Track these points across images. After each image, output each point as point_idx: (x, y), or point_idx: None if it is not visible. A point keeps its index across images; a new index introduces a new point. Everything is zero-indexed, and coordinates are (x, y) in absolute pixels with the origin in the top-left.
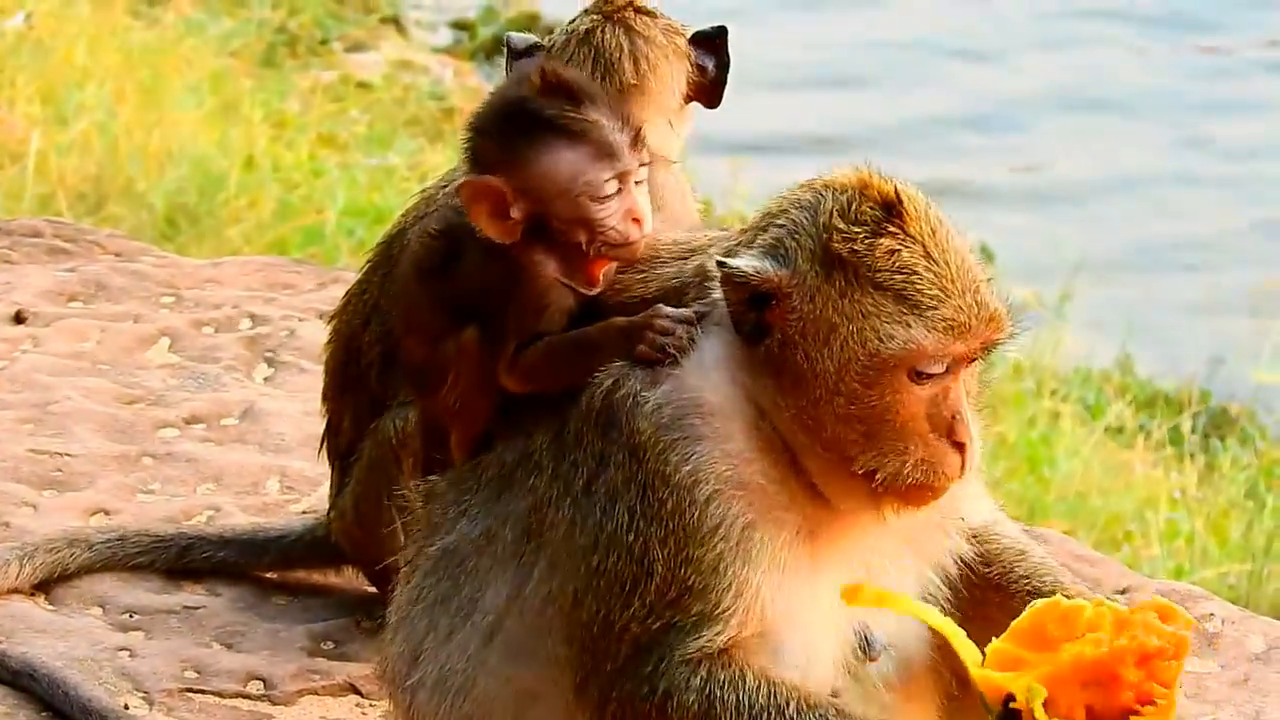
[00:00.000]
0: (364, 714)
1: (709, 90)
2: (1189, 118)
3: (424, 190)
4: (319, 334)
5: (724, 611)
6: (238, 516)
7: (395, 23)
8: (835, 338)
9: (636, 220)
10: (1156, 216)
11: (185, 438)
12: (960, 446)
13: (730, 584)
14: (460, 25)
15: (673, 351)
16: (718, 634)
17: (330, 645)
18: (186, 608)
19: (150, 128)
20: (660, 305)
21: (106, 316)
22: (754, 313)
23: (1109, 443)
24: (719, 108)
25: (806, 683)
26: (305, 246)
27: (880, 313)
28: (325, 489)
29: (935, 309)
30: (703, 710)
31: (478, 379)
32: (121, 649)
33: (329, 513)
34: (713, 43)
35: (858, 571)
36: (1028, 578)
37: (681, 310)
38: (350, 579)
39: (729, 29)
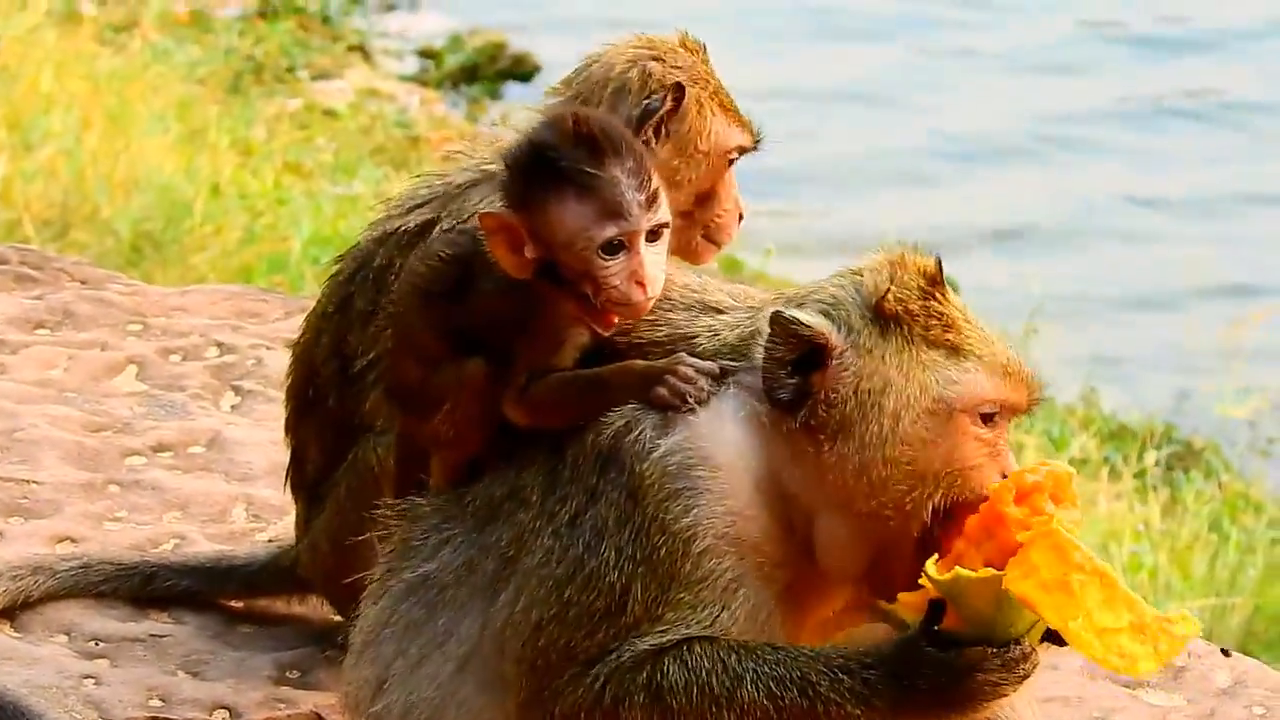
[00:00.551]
0: None
1: None
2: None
3: (402, 224)
4: (286, 363)
5: (687, 632)
6: (204, 545)
7: (362, 51)
8: (892, 391)
9: (640, 283)
10: (1121, 256)
11: (152, 466)
12: None
13: (709, 623)
14: (427, 54)
15: (692, 401)
16: (673, 637)
17: (296, 674)
18: (152, 635)
19: (116, 154)
20: (683, 354)
21: (73, 344)
22: (796, 376)
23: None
24: None
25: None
26: (270, 274)
27: (938, 365)
28: (292, 518)
29: (990, 357)
30: (652, 701)
31: (476, 409)
32: (87, 676)
33: (297, 545)
34: None
35: (824, 637)
36: None
37: (706, 362)
38: (316, 608)
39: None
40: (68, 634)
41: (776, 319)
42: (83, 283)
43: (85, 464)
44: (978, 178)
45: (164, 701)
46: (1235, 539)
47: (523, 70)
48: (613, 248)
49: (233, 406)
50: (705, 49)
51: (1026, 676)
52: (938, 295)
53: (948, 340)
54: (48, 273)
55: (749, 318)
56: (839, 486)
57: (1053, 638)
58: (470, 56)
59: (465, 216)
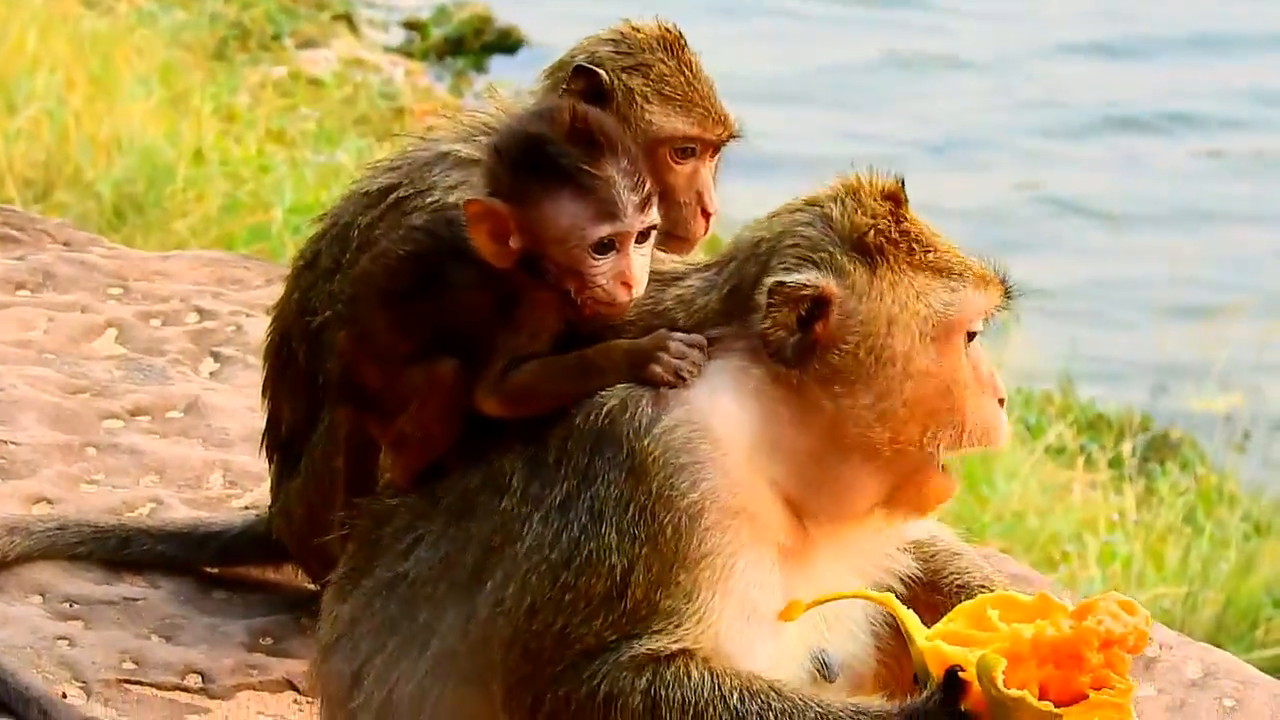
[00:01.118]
0: (301, 710)
1: None
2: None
3: (363, 185)
4: (265, 330)
5: (683, 629)
6: (180, 510)
7: (348, 20)
8: (897, 326)
9: (626, 284)
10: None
11: (130, 429)
12: (1000, 403)
13: (698, 610)
14: (412, 25)
15: (688, 376)
16: (672, 642)
17: (269, 641)
18: (126, 599)
19: (100, 117)
20: (667, 330)
21: (54, 306)
22: (800, 334)
23: (1048, 464)
24: None
25: (751, 670)
26: (251, 242)
27: (930, 288)
28: (268, 485)
29: (967, 270)
30: (647, 710)
31: (444, 409)
32: (61, 638)
33: (271, 508)
34: None
35: (811, 595)
36: (958, 574)
37: (692, 335)
38: (291, 576)
39: None
40: (42, 595)
41: (775, 290)
42: (65, 245)
43: (63, 426)
44: (955, 171)
45: (137, 665)
46: (1209, 531)
47: (508, 44)
48: (603, 247)
49: (211, 373)
50: (680, 38)
51: None
52: (906, 215)
53: (930, 261)
54: (30, 234)
55: (719, 276)
56: (859, 436)
57: None
58: (456, 29)
59: (424, 188)
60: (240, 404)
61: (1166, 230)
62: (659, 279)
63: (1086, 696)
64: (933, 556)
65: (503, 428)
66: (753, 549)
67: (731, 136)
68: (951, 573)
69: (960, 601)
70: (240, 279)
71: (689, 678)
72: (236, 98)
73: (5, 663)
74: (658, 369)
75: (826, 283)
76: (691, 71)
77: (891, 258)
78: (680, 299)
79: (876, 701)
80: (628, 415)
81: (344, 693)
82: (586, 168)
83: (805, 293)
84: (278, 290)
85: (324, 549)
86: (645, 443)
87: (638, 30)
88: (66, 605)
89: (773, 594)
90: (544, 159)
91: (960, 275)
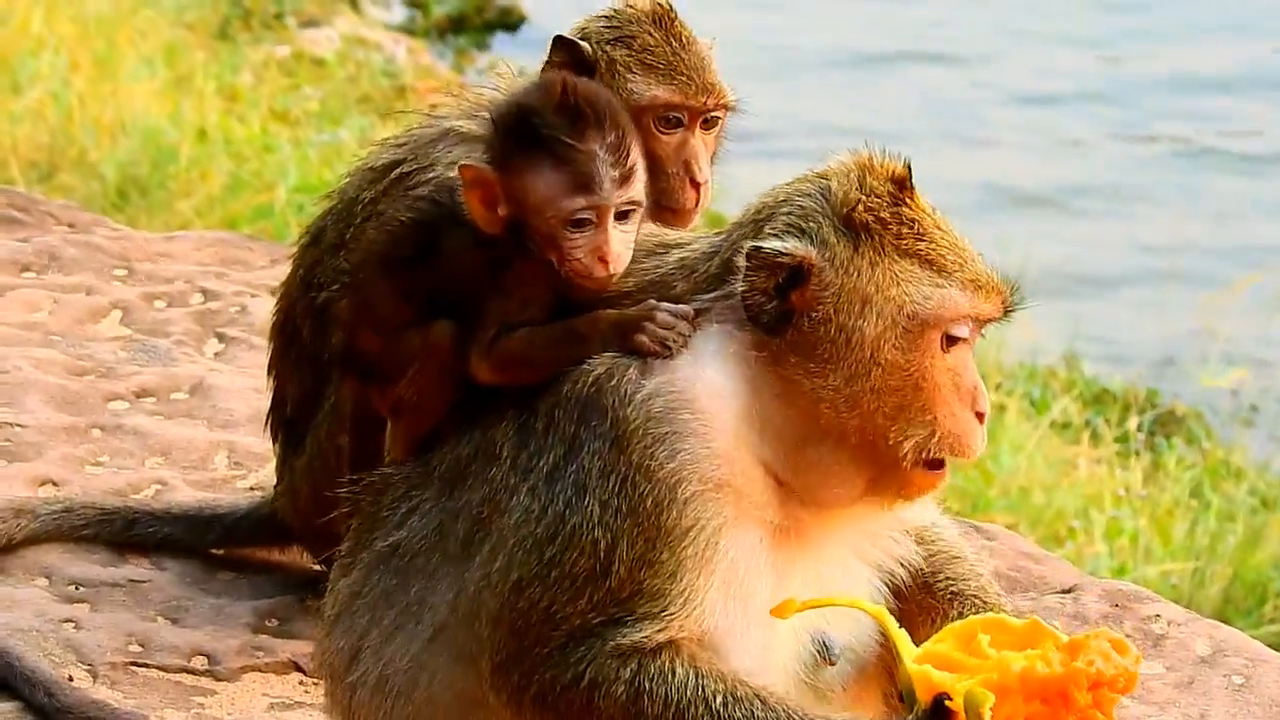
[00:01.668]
0: (307, 692)
1: None
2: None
3: (368, 162)
4: (269, 311)
5: (668, 615)
6: (185, 491)
7: None
8: (870, 308)
9: (603, 260)
10: (1111, 223)
11: (135, 411)
12: (980, 417)
13: (684, 591)
14: (414, 3)
15: (674, 347)
16: (658, 631)
17: (275, 623)
18: (132, 581)
19: (104, 98)
20: (655, 300)
21: (59, 288)
22: (777, 300)
23: (1054, 438)
24: None
25: (740, 675)
26: (255, 221)
27: (911, 278)
28: (274, 466)
29: (960, 270)
30: (630, 700)
31: (440, 374)
32: (66, 621)
33: (276, 487)
34: None
35: (811, 577)
36: (953, 580)
37: (680, 306)
38: (296, 557)
39: None
40: (48, 577)
41: (753, 254)
42: (70, 226)
43: (68, 407)
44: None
45: (143, 647)
46: (1216, 506)
47: (510, 21)
48: (580, 221)
49: (216, 354)
50: (671, 11)
51: None
52: (908, 200)
53: (919, 250)
54: (35, 215)
55: (723, 241)
56: (833, 419)
57: None
58: (457, 6)
59: (427, 164)
60: (245, 385)
61: (1169, 206)
62: (663, 246)
63: None
64: (931, 556)
65: (498, 397)
66: (739, 526)
67: (722, 107)
68: (947, 578)
69: (952, 610)
70: (244, 260)
71: (674, 674)
72: (239, 77)
73: (11, 645)
74: (643, 339)
75: (807, 252)
76: (679, 42)
77: (877, 237)
78: (682, 263)
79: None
80: (613, 383)
81: (344, 668)
82: (567, 139)
83: (782, 259)
84: (282, 271)
85: (329, 527)
86: (628, 411)
87: (631, 7)
88: (72, 588)
89: (763, 575)
90: (529, 129)
91: (948, 272)
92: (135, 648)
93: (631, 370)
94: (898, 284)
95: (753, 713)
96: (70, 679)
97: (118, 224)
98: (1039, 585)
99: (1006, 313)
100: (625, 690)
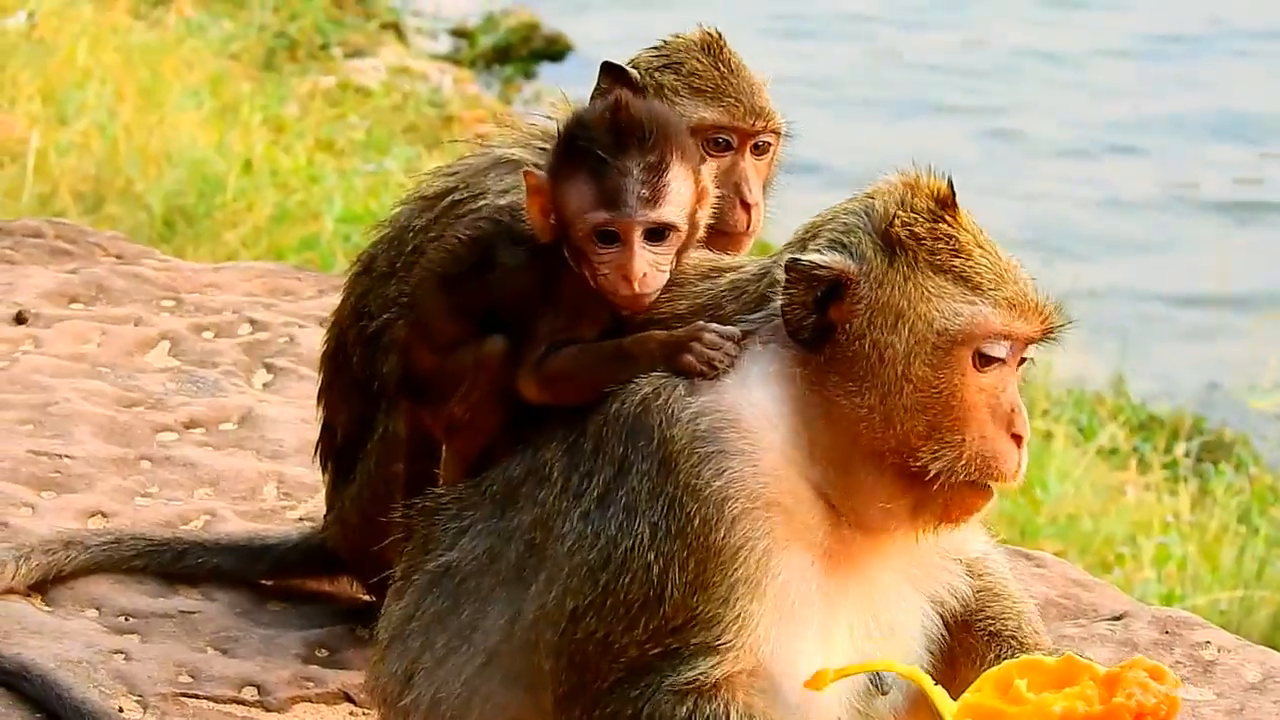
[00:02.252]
0: None
1: None
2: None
3: (419, 190)
4: (318, 341)
5: (724, 644)
6: (234, 522)
7: (395, 29)
8: (903, 323)
9: (626, 277)
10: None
11: (184, 442)
12: (1018, 440)
13: (737, 616)
14: (460, 33)
15: (720, 368)
16: (713, 666)
17: (325, 653)
18: (182, 612)
19: (150, 129)
20: (704, 321)
21: (107, 319)
22: (816, 314)
23: (1101, 465)
24: None
25: None
26: (302, 252)
27: (944, 294)
28: (323, 495)
29: (996, 289)
30: None
31: (492, 390)
32: (117, 652)
33: (326, 516)
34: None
35: (863, 604)
36: (991, 619)
37: (727, 327)
38: (345, 587)
39: None
40: (98, 609)
41: (791, 266)
42: (117, 257)
43: (117, 439)
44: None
45: (193, 678)
46: (1264, 532)
47: (555, 50)
48: (607, 236)
49: (264, 384)
50: (720, 39)
51: None
52: (948, 218)
53: (954, 266)
54: (82, 246)
55: (772, 263)
56: (872, 439)
57: None
58: (503, 36)
59: (479, 192)
60: (294, 415)
61: (1216, 226)
62: (716, 270)
63: None
64: (978, 592)
65: (549, 417)
66: (789, 547)
67: (772, 132)
68: (987, 617)
69: (989, 652)
70: (292, 290)
71: (727, 718)
72: (285, 108)
73: (61, 677)
74: (690, 359)
75: (845, 265)
76: (728, 67)
77: (911, 252)
78: (733, 286)
79: None
80: (660, 402)
81: (397, 693)
82: (602, 154)
83: (819, 272)
84: (330, 301)
85: (379, 556)
86: (674, 430)
87: (679, 37)
88: (122, 619)
89: (814, 600)
90: (576, 140)
91: (982, 290)
92: (185, 679)
93: (678, 390)
94: (928, 299)
95: None
96: (120, 710)
97: (165, 255)
98: (1089, 613)
99: (1047, 334)
100: None
